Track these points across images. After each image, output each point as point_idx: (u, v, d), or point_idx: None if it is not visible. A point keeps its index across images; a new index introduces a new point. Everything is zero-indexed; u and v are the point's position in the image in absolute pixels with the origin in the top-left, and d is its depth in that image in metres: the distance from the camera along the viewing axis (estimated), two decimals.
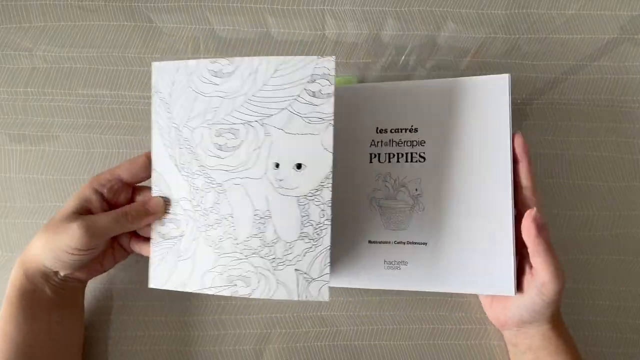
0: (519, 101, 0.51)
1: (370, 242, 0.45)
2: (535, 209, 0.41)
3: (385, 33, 0.52)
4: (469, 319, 0.48)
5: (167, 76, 0.43)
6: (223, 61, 0.41)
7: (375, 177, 0.45)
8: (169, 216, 0.43)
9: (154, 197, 0.44)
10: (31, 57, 0.51)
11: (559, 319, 0.43)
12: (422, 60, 0.51)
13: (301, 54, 0.51)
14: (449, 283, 0.43)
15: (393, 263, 0.44)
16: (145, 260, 0.45)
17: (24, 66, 0.51)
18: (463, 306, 0.49)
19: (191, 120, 0.42)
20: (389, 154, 0.45)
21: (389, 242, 0.44)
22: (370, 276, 0.44)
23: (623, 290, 0.49)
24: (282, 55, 0.51)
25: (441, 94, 0.44)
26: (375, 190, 0.45)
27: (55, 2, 0.51)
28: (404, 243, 0.44)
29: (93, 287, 0.49)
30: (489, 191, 0.43)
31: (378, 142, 0.46)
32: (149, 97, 0.51)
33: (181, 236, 0.43)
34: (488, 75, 0.44)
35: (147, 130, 0.50)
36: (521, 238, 0.41)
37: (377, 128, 0.46)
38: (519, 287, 0.42)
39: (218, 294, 0.41)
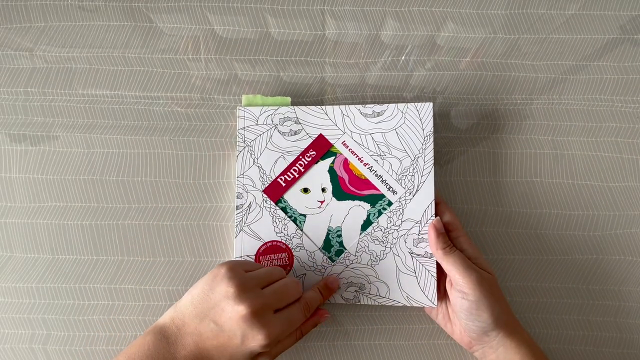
0: (519, 101, 0.51)
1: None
2: (438, 217, 0.45)
3: (385, 33, 0.52)
4: None
5: None
6: None
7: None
8: None
9: (333, 278, 0.46)
10: (31, 57, 0.51)
11: (515, 327, 0.43)
12: (422, 60, 0.51)
13: (301, 54, 0.51)
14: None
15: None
16: None
17: (24, 66, 0.51)
18: None
19: None
20: None
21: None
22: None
23: (623, 290, 0.49)
24: (281, 55, 0.51)
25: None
26: None
27: (55, 2, 0.51)
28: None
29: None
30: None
31: None
32: (149, 97, 0.51)
33: None
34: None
35: (148, 130, 0.50)
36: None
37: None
38: (448, 299, 0.45)
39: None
